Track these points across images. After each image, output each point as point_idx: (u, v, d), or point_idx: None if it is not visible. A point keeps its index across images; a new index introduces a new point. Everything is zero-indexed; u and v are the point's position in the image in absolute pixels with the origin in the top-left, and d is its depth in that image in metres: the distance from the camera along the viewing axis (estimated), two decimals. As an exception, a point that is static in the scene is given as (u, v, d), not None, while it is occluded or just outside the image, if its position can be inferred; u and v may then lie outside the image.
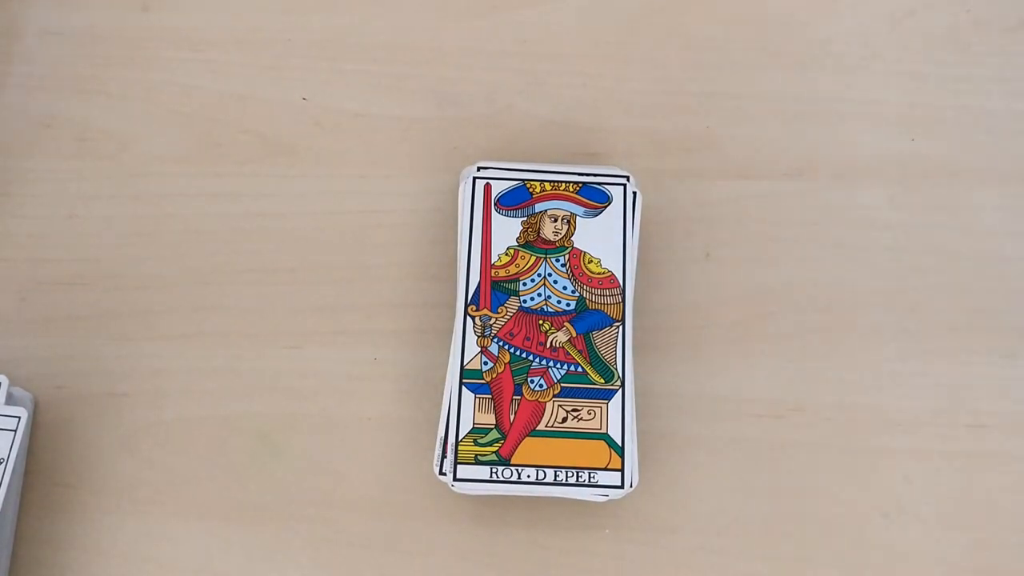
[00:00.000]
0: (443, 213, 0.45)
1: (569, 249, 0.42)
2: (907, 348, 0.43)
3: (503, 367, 0.40)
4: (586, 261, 0.42)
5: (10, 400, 0.39)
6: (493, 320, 0.41)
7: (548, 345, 0.40)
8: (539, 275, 0.41)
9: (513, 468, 0.39)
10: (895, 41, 0.48)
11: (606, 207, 0.42)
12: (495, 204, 0.42)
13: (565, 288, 0.41)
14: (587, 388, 0.40)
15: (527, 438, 0.39)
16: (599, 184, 0.43)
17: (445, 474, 0.39)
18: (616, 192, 0.42)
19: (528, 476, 0.39)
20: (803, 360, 0.43)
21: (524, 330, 0.41)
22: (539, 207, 0.42)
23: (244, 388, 0.42)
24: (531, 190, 0.42)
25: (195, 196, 0.45)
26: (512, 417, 0.39)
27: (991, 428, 0.42)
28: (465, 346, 0.40)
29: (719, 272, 0.44)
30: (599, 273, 0.41)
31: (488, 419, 0.39)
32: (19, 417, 0.38)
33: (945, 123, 0.46)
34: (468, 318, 0.41)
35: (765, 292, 0.44)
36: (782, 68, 0.47)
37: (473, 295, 0.41)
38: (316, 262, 0.44)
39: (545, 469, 0.39)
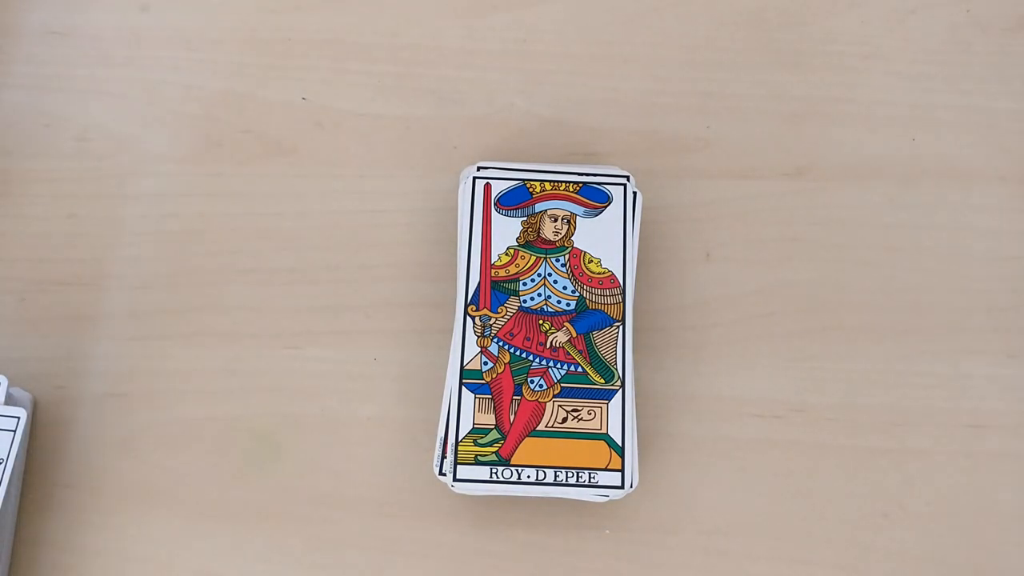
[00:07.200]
0: (443, 213, 0.45)
1: (569, 249, 0.42)
2: (907, 348, 0.43)
3: (503, 367, 0.40)
4: (586, 261, 0.42)
5: (10, 400, 0.39)
6: (493, 320, 0.41)
7: (548, 345, 0.40)
8: (539, 275, 0.41)
9: (513, 468, 0.39)
10: (895, 41, 0.48)
11: (606, 207, 0.42)
12: (495, 204, 0.42)
13: (565, 288, 0.41)
14: (587, 388, 0.40)
15: (527, 438, 0.39)
16: (599, 184, 0.43)
17: (445, 474, 0.39)
18: (616, 192, 0.42)
19: (528, 476, 0.39)
20: (803, 360, 0.43)
21: (524, 330, 0.41)
22: (539, 207, 0.42)
23: (244, 388, 0.42)
24: (531, 190, 0.42)
25: (195, 196, 0.45)
26: (512, 417, 0.39)
27: (991, 428, 0.42)
28: (465, 346, 0.40)
29: (719, 272, 0.44)
30: (599, 273, 0.41)
31: (488, 419, 0.39)
32: (19, 417, 0.38)
33: (945, 123, 0.46)
34: (468, 318, 0.41)
35: (765, 292, 0.44)
36: (782, 68, 0.47)
37: (473, 295, 0.41)
38: (316, 262, 0.44)
39: (545, 469, 0.39)
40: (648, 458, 0.42)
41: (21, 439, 0.38)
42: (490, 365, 0.40)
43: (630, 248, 0.42)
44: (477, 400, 0.40)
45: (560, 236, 0.42)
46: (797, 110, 0.47)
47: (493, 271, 0.41)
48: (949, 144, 0.46)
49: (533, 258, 0.42)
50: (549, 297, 0.41)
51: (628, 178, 0.43)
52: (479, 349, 0.40)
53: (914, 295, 0.44)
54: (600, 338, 0.40)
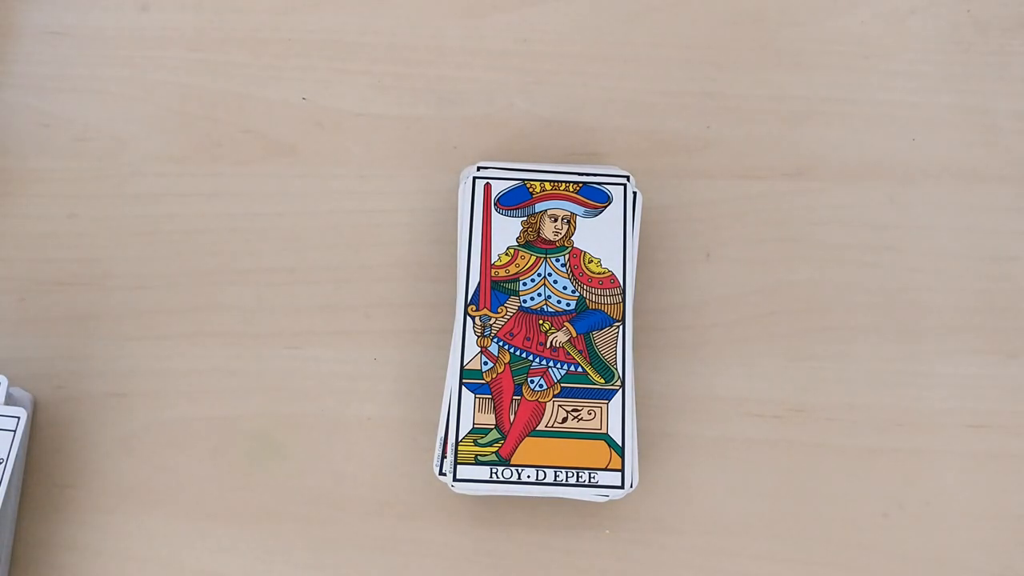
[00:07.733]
0: (443, 213, 0.45)
1: (569, 249, 0.42)
2: (907, 348, 0.43)
3: (503, 367, 0.40)
4: (586, 261, 0.42)
5: (10, 400, 0.39)
6: (493, 320, 0.41)
7: (548, 345, 0.40)
8: (539, 275, 0.41)
9: (513, 468, 0.39)
10: (895, 41, 0.48)
11: (606, 207, 0.42)
12: (495, 204, 0.42)
13: (565, 288, 0.41)
14: (587, 388, 0.40)
15: (527, 438, 0.39)
16: (599, 184, 0.43)
17: (445, 474, 0.39)
18: (616, 192, 0.42)
19: (528, 476, 0.39)
20: (803, 360, 0.43)
21: (524, 330, 0.41)
22: (539, 207, 0.42)
23: (244, 388, 0.42)
24: (531, 190, 0.42)
25: (195, 196, 0.45)
26: (512, 417, 0.39)
27: (991, 428, 0.42)
28: (465, 346, 0.40)
29: (719, 272, 0.44)
30: (599, 273, 0.41)
31: (488, 419, 0.39)
32: (19, 417, 0.38)
33: (945, 123, 0.46)
34: (468, 318, 0.41)
35: (765, 292, 0.44)
36: (782, 68, 0.47)
37: (473, 295, 0.41)
38: (316, 262, 0.44)
39: (545, 469, 0.39)
40: (648, 458, 0.42)
41: (21, 439, 0.38)
42: (490, 365, 0.40)
43: (630, 248, 0.42)
44: (477, 400, 0.40)
45: (560, 236, 0.42)
46: (797, 110, 0.47)
47: (493, 271, 0.41)
48: (949, 144, 0.46)
49: (533, 258, 0.42)
50: (549, 297, 0.41)
51: (628, 178, 0.43)
52: (479, 349, 0.40)
53: (914, 295, 0.44)
54: (600, 338, 0.40)
